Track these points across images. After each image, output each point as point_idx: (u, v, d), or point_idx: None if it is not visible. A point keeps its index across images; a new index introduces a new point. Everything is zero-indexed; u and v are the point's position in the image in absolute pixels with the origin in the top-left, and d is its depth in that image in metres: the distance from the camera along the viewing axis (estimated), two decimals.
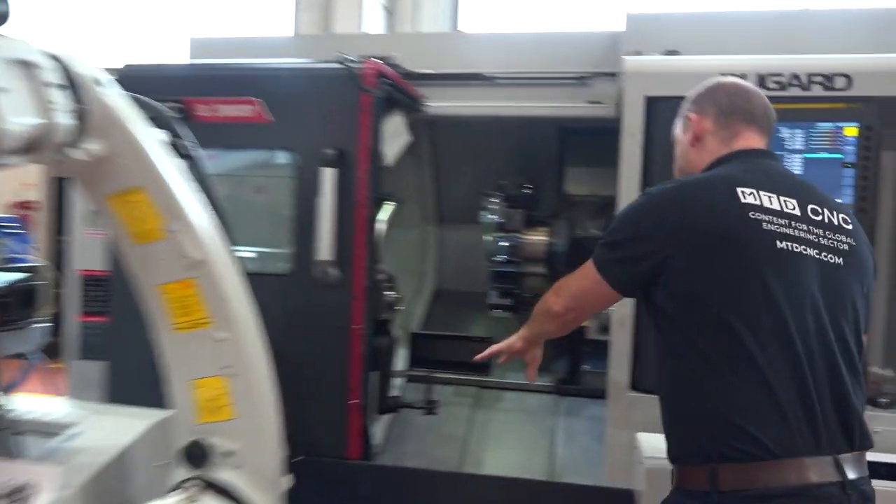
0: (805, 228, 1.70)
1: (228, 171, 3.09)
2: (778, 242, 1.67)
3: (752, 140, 1.87)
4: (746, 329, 1.61)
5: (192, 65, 3.41)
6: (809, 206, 1.75)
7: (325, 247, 2.77)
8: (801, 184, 1.86)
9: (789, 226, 1.69)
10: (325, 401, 2.89)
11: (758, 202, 1.70)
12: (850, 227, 1.78)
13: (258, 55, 3.04)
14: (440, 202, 4.47)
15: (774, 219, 1.69)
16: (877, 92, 2.45)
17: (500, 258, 3.56)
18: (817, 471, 1.58)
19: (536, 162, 4.10)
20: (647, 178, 2.65)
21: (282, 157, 3.01)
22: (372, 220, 2.84)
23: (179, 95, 2.96)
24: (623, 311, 2.66)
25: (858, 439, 1.66)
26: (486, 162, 4.25)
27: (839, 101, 2.47)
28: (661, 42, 3.15)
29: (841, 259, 1.72)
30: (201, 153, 1.88)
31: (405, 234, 4.44)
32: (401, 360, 3.57)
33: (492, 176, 4.09)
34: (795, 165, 2.50)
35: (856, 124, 2.45)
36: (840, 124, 2.47)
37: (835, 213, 1.78)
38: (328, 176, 2.76)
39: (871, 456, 1.70)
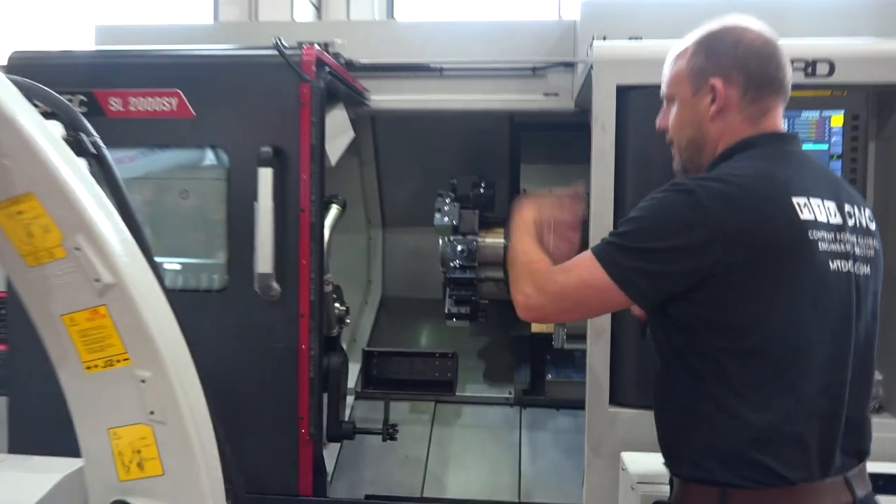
0: (848, 240, 1.50)
1: (149, 174, 2.71)
2: (831, 264, 1.46)
3: (777, 117, 1.58)
4: (783, 362, 1.43)
5: (101, 51, 3.00)
6: (846, 209, 1.53)
7: (264, 258, 2.43)
8: (832, 177, 1.61)
9: (836, 240, 1.47)
10: (271, 431, 2.56)
11: (812, 216, 1.45)
12: (874, 226, 1.59)
13: (175, 44, 2.67)
14: (384, 204, 4.17)
15: (825, 234, 1.46)
16: (861, 79, 2.30)
17: (454, 263, 3.28)
18: (831, 494, 1.47)
19: (488, 159, 3.85)
20: (620, 174, 2.43)
21: (210, 157, 2.65)
22: (317, 226, 2.52)
23: (87, 87, 2.57)
24: (601, 319, 2.43)
25: (864, 454, 1.57)
26: (433, 160, 3.98)
27: (824, 89, 2.31)
28: (621, 29, 2.95)
29: (869, 267, 1.54)
30: (108, 152, 1.52)
31: (348, 240, 4.12)
32: (352, 377, 3.28)
33: (439, 175, 3.82)
34: None
35: (842, 113, 2.29)
36: (826, 113, 2.30)
37: (863, 212, 1.58)
38: (265, 177, 2.43)
39: (869, 466, 1.58)
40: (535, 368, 3.61)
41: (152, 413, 1.52)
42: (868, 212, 1.59)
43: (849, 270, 1.48)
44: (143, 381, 1.50)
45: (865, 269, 1.52)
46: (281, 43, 2.46)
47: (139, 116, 2.56)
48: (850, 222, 1.52)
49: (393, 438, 2.71)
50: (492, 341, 3.86)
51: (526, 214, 1.76)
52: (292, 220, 2.52)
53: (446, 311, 3.42)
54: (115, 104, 2.56)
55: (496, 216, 3.57)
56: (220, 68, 2.55)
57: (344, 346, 3.26)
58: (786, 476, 1.42)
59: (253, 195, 2.45)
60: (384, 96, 3.36)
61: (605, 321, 2.43)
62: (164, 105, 2.55)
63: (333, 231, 2.79)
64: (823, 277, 1.44)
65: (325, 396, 2.67)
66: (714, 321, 1.44)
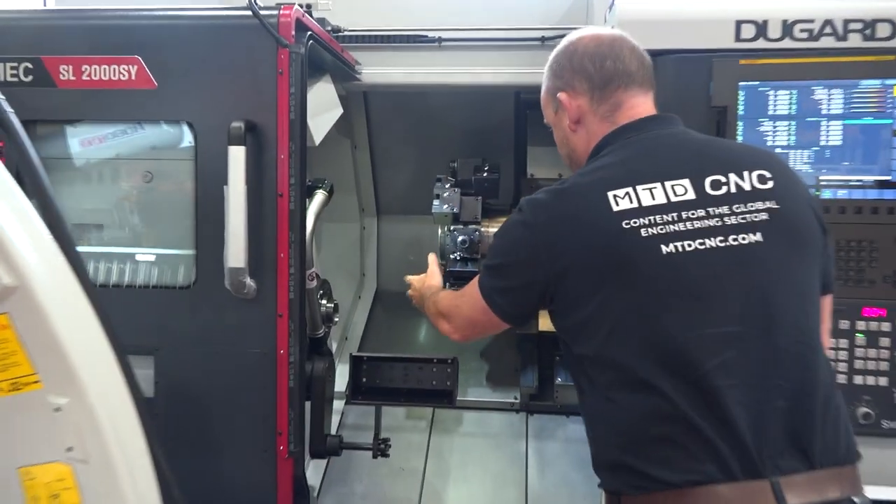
0: (702, 214, 1.44)
1: (104, 154, 2.38)
2: (664, 247, 1.41)
3: (636, 106, 1.61)
4: (630, 360, 1.40)
5: (50, 11, 2.66)
6: (708, 180, 1.47)
7: (235, 250, 2.11)
8: (698, 151, 1.55)
9: (679, 219, 1.43)
10: (245, 449, 2.25)
11: (633, 204, 1.44)
12: (769, 185, 1.46)
13: (136, 3, 2.33)
14: (378, 191, 3.85)
15: (656, 218, 1.43)
16: None
17: (455, 255, 2.96)
18: (743, 499, 1.32)
19: (492, 141, 3.53)
20: None
21: (175, 134, 2.32)
22: (297, 213, 2.20)
23: (35, 53, 2.24)
24: None
25: (821, 454, 1.36)
26: (431, 142, 3.66)
27: (886, 53, 1.98)
28: None
29: (759, 234, 1.43)
30: (17, 119, 1.20)
31: (340, 230, 3.81)
32: (342, 380, 2.96)
33: (438, 159, 3.50)
34: (834, 134, 2.00)
35: None
36: (889, 82, 1.98)
37: (746, 175, 1.48)
38: (236, 157, 2.10)
39: None
40: (542, 371, 3.30)
41: (70, 449, 1.20)
42: (758, 173, 1.47)
43: (706, 247, 1.41)
44: (57, 409, 1.18)
45: (753, 237, 1.42)
46: (255, 2, 2.12)
47: (93, 87, 2.23)
48: (717, 193, 1.45)
49: (385, 455, 2.39)
50: (495, 340, 3.54)
51: (429, 282, 2.31)
52: (269, 207, 2.19)
53: None
54: (65, 73, 2.23)
55: (501, 203, 3.26)
56: (186, 31, 2.21)
57: (334, 346, 2.95)
58: (666, 479, 1.34)
59: (223, 178, 2.12)
60: (377, 69, 3.03)
61: None
62: (121, 74, 2.21)
63: (320, 220, 2.47)
64: (654, 263, 1.40)
65: (308, 406, 2.35)
66: (567, 329, 1.50)
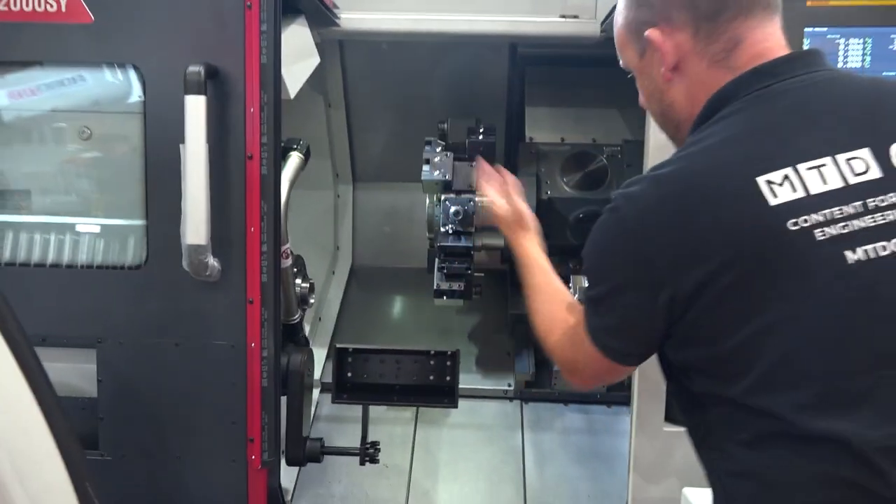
0: (892, 201, 1.01)
1: (37, 107, 1.96)
2: (849, 254, 1.00)
3: (762, 41, 1.13)
4: (801, 406, 1.00)
5: None
6: (893, 147, 1.03)
7: (195, 224, 1.73)
8: (871, 104, 1.10)
9: (865, 210, 1.01)
10: (210, 459, 1.90)
11: (798, 192, 1.01)
12: None
13: None
14: (354, 155, 3.48)
15: (834, 212, 1.00)
16: None
17: (447, 228, 2.62)
18: None
19: (482, 101, 3.19)
20: None
21: (119, 81, 1.91)
22: (271, 179, 1.82)
23: None
24: None
25: None
26: (414, 101, 3.31)
27: None
28: None
29: None
30: None
31: (312, 198, 3.42)
32: (317, 366, 2.63)
33: (422, 120, 3.15)
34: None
35: None
36: None
37: None
38: (195, 109, 1.71)
39: None
40: (538, 355, 3.01)
41: None
42: None
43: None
44: None
45: None
46: None
47: (13, 20, 1.80)
48: None
49: (374, 461, 2.07)
50: (487, 321, 3.24)
51: (522, 240, 1.67)
52: (236, 172, 1.81)
53: (435, 286, 2.77)
54: None
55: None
56: None
57: (306, 329, 2.59)
58: None
59: (178, 135, 1.73)
60: (357, 14, 2.63)
61: None
62: (48, 4, 1.79)
63: (293, 187, 2.10)
64: (838, 276, 0.99)
65: (284, 405, 2.01)
66: (692, 363, 1.10)
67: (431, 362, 1.99)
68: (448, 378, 1.99)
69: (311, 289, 2.34)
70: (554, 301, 1.38)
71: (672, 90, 1.19)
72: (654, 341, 1.12)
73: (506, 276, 3.30)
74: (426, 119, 3.35)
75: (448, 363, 1.98)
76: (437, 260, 2.80)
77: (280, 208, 1.91)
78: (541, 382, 2.95)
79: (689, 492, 1.74)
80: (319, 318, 3.17)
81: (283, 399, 2.00)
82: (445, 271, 2.72)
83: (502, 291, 3.29)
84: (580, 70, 2.91)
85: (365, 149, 3.44)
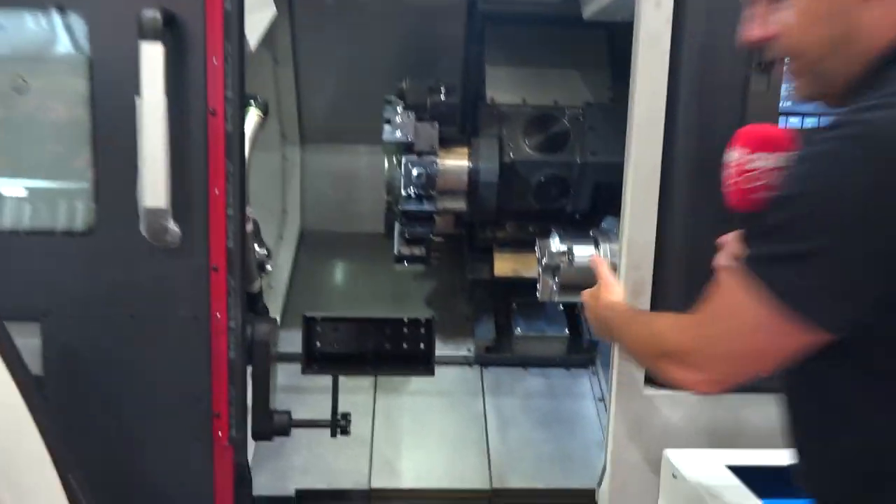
0: None
1: None
2: None
3: None
4: None
5: None
6: None
7: (153, 184, 1.59)
8: None
9: None
10: (173, 436, 1.78)
11: None
12: None
13: None
14: (302, 115, 3.31)
15: None
16: None
17: (409, 191, 2.53)
18: None
19: (440, 58, 3.07)
20: (674, 92, 1.74)
21: (60, 26, 1.72)
22: (237, 138, 1.69)
23: None
24: (639, 273, 1.79)
25: None
26: (365, 60, 3.15)
27: None
28: None
29: None
30: None
31: (255, 160, 3.22)
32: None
33: (373, 78, 3.03)
34: None
35: None
36: None
37: None
38: (151, 58, 1.55)
39: None
40: (498, 319, 2.98)
41: None
42: None
43: None
44: None
45: None
46: None
47: None
48: None
49: (345, 432, 1.99)
50: (443, 287, 3.18)
51: (606, 298, 1.59)
52: (197, 129, 1.67)
53: (396, 252, 2.70)
54: None
55: (454, 133, 2.83)
56: None
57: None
58: None
59: (130, 87, 1.57)
60: None
61: (645, 274, 1.79)
62: None
63: (253, 147, 1.97)
64: None
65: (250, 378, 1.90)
66: None
67: (405, 330, 1.92)
68: (422, 345, 1.93)
69: (269, 255, 2.22)
70: (658, 316, 1.32)
71: (866, 10, 0.96)
72: (864, 312, 0.93)
73: (462, 241, 3.24)
74: (378, 78, 3.22)
75: (422, 330, 1.92)
76: (396, 224, 2.72)
77: (245, 168, 1.78)
78: (501, 347, 2.93)
79: (670, 453, 1.75)
80: (271, 286, 3.04)
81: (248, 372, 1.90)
82: (406, 236, 2.64)
83: (458, 256, 3.24)
84: (541, 28, 2.84)
85: (313, 108, 3.28)
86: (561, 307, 2.96)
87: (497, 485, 2.53)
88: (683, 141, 1.76)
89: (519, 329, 2.85)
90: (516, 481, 2.54)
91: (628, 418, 1.84)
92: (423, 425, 2.71)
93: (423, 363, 1.91)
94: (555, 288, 2.36)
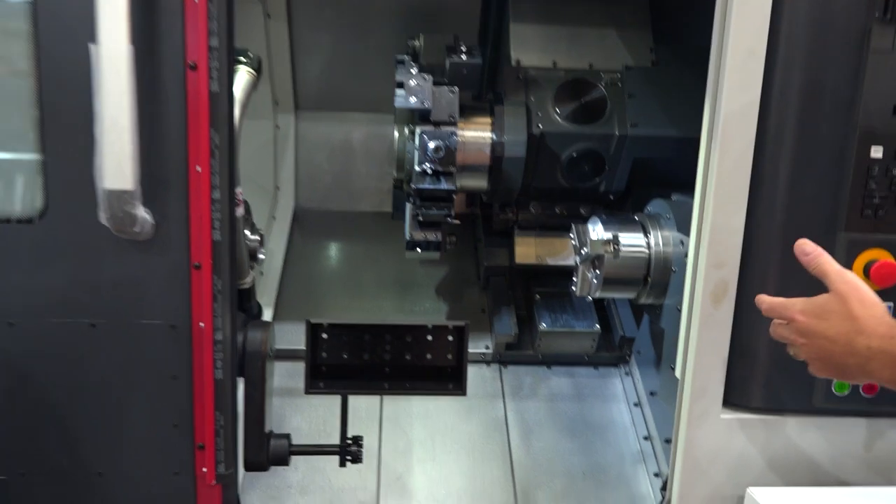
0: None
1: None
2: None
3: None
4: None
5: None
6: None
7: (117, 161, 1.22)
8: None
9: None
10: (146, 469, 1.44)
11: None
12: None
13: None
14: (297, 78, 2.94)
15: None
16: None
17: (425, 167, 2.17)
18: None
19: (453, 13, 2.71)
20: (772, 50, 1.38)
21: None
22: (225, 100, 1.32)
23: None
24: (722, 273, 1.45)
25: None
26: (368, 13, 2.78)
27: None
28: None
29: None
30: None
31: (245, 129, 2.86)
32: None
33: (377, 35, 2.67)
34: None
35: None
36: None
37: None
38: (111, 4, 1.18)
39: None
40: (519, 311, 2.65)
41: None
42: None
43: None
44: None
45: None
46: None
47: None
48: None
49: (357, 460, 1.66)
50: (455, 274, 2.85)
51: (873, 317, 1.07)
52: (173, 87, 1.30)
53: (408, 236, 2.35)
54: None
55: (474, 100, 2.47)
56: None
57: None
58: None
59: (87, 33, 1.20)
60: None
61: (730, 275, 1.46)
62: None
63: (244, 115, 1.60)
64: None
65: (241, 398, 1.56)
66: None
67: (429, 338, 1.58)
68: (449, 357, 1.59)
69: (262, 241, 1.87)
70: None
71: None
72: None
73: (476, 221, 2.90)
74: (383, 36, 2.87)
75: (450, 338, 1.58)
76: (409, 205, 2.37)
77: (235, 140, 1.41)
78: (522, 344, 2.60)
79: (755, 492, 1.44)
80: (262, 273, 2.68)
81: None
82: (420, 219, 2.29)
83: (470, 239, 2.90)
84: None
85: (310, 71, 2.91)
86: (589, 298, 2.63)
87: (523, 503, 2.22)
88: (780, 111, 1.41)
89: (544, 324, 2.51)
90: (544, 499, 2.23)
91: (702, 446, 1.52)
92: (436, 434, 2.39)
93: (452, 380, 1.57)
94: (595, 282, 2.04)
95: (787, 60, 1.39)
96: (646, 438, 2.35)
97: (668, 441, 2.16)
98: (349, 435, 1.65)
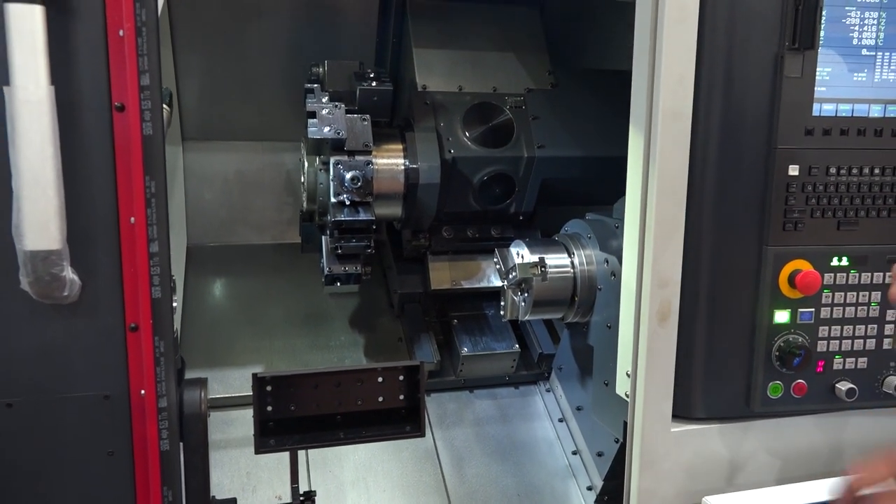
0: None
1: None
2: None
3: None
4: None
5: None
6: None
7: (41, 219, 1.07)
8: None
9: None
10: None
11: None
12: None
13: None
14: (183, 106, 2.76)
15: None
16: None
17: (342, 198, 2.10)
18: None
19: (347, 37, 2.65)
20: (704, 73, 1.46)
21: None
22: (160, 144, 1.20)
23: None
24: (666, 293, 1.51)
25: None
26: (256, 37, 2.67)
27: None
28: None
29: None
30: None
31: None
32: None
33: (266, 59, 2.55)
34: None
35: None
36: None
37: None
38: (27, 23, 1.04)
39: None
40: (438, 337, 2.62)
41: None
42: None
43: None
44: None
45: None
46: None
47: None
48: None
49: None
50: (367, 303, 2.77)
51: None
52: (98, 133, 1.16)
53: (327, 271, 2.25)
54: None
55: (386, 128, 2.41)
56: None
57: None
58: None
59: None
60: None
61: (672, 294, 1.52)
62: None
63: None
64: None
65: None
66: None
67: (380, 379, 1.51)
68: (402, 398, 1.53)
69: (174, 288, 1.71)
70: None
71: None
72: None
73: (383, 248, 2.85)
74: (271, 62, 2.76)
75: (402, 378, 1.52)
76: (325, 238, 2.27)
77: (165, 186, 1.28)
78: (444, 370, 2.57)
79: (710, 501, 1.50)
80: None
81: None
82: (340, 251, 2.21)
83: (379, 267, 2.84)
84: (472, 5, 2.50)
85: (195, 98, 2.73)
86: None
87: None
88: (706, 136, 1.49)
89: (465, 348, 2.50)
90: None
91: (655, 461, 1.56)
92: (368, 473, 2.30)
93: (408, 422, 1.51)
94: (524, 305, 2.06)
95: (710, 87, 1.47)
96: (574, 453, 2.39)
97: (599, 454, 2.22)
98: (300, 491, 1.53)
